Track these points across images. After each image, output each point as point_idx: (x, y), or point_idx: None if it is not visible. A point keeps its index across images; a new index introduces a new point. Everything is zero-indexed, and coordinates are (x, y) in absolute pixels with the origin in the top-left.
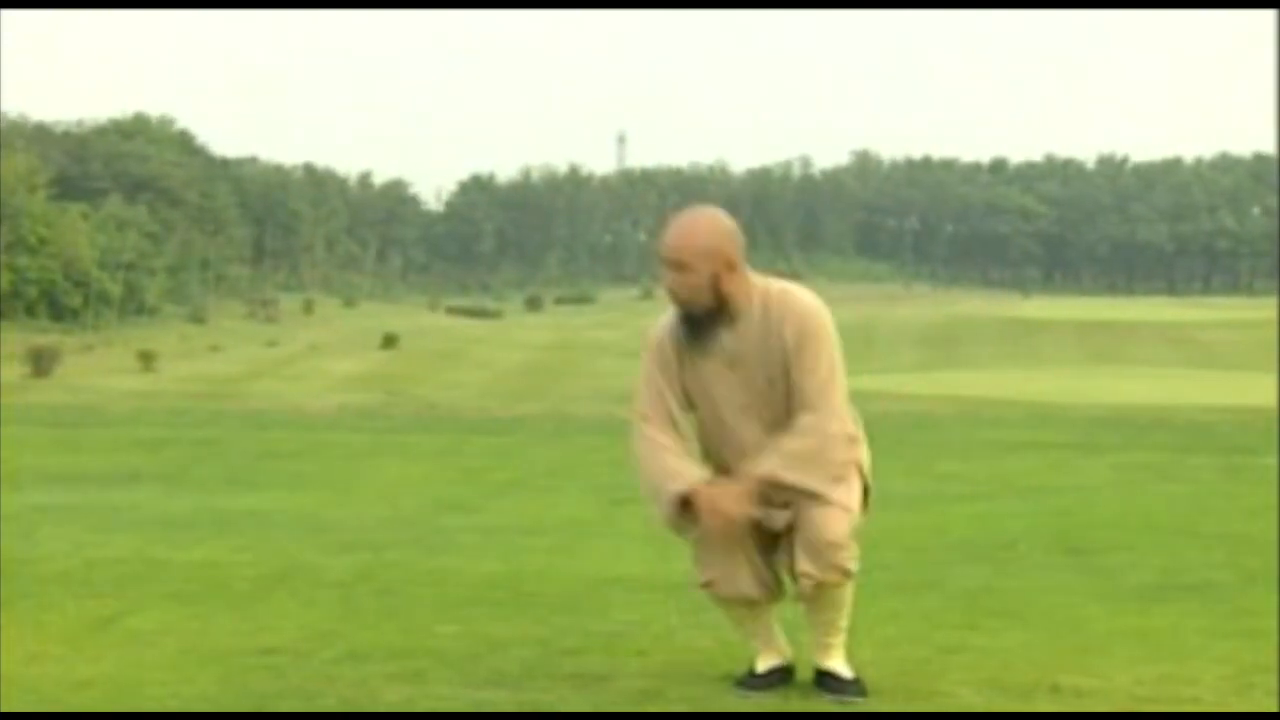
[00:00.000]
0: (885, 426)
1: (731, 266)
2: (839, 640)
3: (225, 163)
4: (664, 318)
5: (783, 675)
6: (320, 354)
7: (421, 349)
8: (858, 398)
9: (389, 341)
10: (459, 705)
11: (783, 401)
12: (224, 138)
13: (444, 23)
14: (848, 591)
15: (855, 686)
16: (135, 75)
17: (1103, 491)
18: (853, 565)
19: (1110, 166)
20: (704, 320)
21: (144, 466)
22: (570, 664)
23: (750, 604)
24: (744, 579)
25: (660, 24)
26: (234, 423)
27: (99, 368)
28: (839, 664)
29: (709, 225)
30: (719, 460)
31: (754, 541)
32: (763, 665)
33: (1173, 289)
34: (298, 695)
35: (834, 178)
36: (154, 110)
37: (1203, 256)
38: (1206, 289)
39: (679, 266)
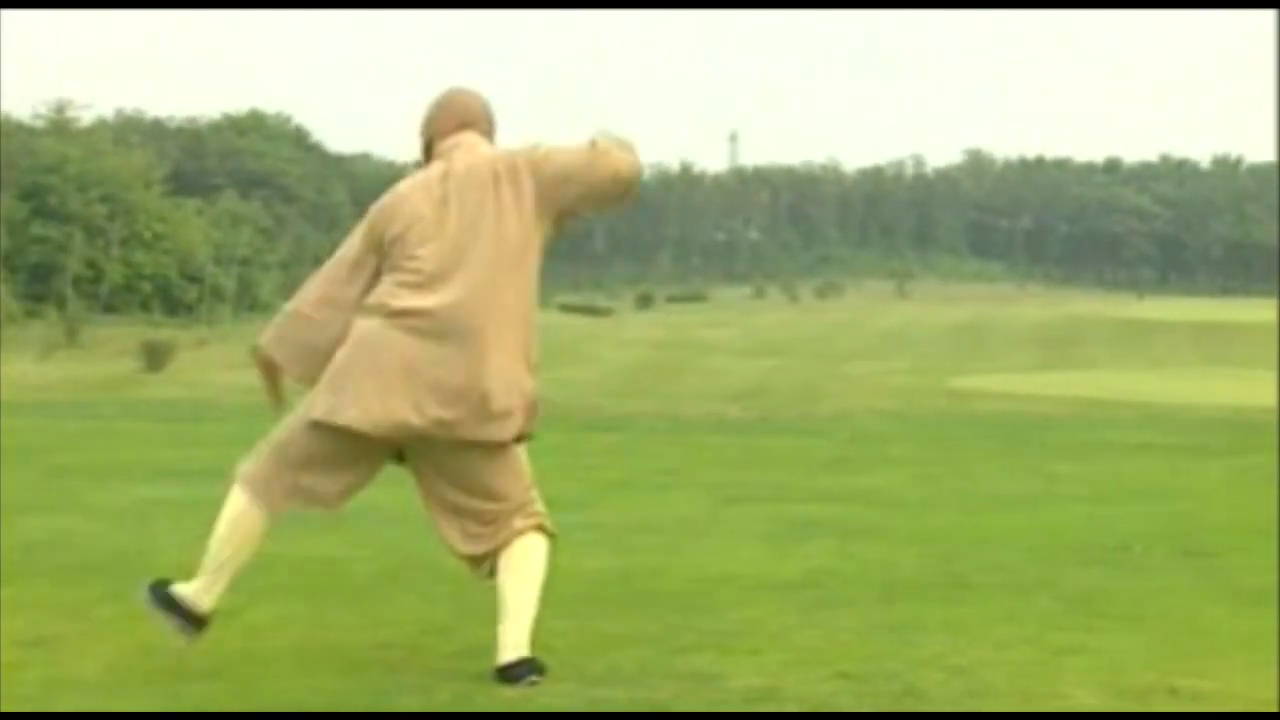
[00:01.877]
0: (999, 426)
1: (428, 140)
2: None
3: (339, 159)
4: None
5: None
6: None
7: (542, 343)
8: (971, 397)
9: None
10: (574, 703)
11: None
12: (338, 134)
13: (554, 20)
14: None
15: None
16: (251, 72)
17: (1218, 494)
18: None
19: (1225, 167)
20: None
21: None
22: (684, 662)
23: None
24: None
25: (773, 22)
26: None
27: (212, 362)
28: None
29: (435, 98)
30: None
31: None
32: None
33: None
34: (415, 690)
35: (947, 176)
36: (269, 107)
37: None
38: None
39: None
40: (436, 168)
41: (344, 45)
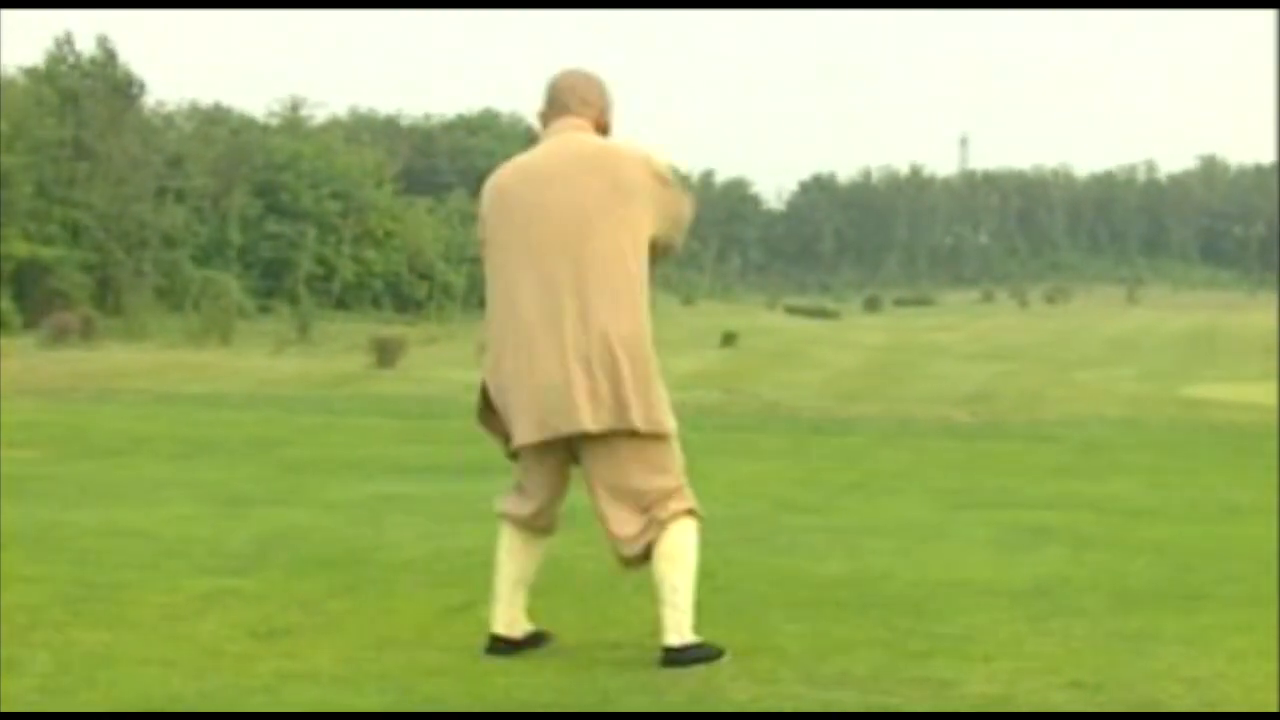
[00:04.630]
0: (1232, 436)
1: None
2: None
3: None
4: None
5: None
6: (660, 351)
7: (760, 348)
8: (1202, 405)
9: (728, 340)
10: (806, 705)
11: None
12: None
13: (786, 22)
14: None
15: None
16: (488, 72)
17: None
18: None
19: None
20: None
21: (488, 458)
22: (917, 667)
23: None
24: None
25: (1005, 24)
26: None
27: (442, 359)
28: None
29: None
30: None
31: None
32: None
33: None
34: (645, 690)
35: (1180, 183)
36: (504, 107)
37: None
38: None
39: None
40: None
41: (581, 46)
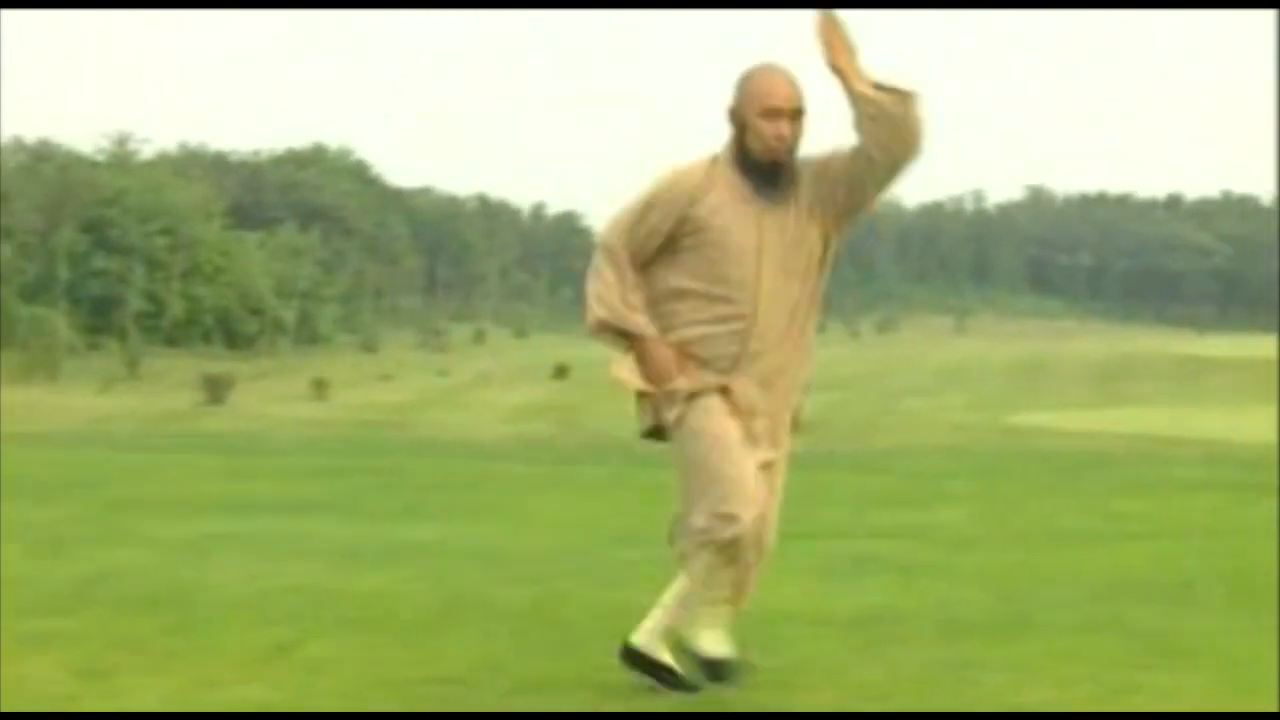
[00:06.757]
0: (1058, 463)
1: None
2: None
3: (399, 193)
4: (700, 165)
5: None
6: (491, 384)
7: (593, 380)
8: (1029, 433)
9: (560, 372)
10: None
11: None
12: (399, 168)
13: (618, 52)
14: None
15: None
16: (316, 107)
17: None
18: None
19: None
20: (774, 172)
21: (317, 495)
22: (741, 699)
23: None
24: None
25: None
26: (405, 452)
27: (272, 395)
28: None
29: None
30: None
31: None
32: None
33: None
34: None
35: (1007, 212)
36: (333, 141)
37: None
38: None
39: (799, 114)
40: None
41: (406, 79)
